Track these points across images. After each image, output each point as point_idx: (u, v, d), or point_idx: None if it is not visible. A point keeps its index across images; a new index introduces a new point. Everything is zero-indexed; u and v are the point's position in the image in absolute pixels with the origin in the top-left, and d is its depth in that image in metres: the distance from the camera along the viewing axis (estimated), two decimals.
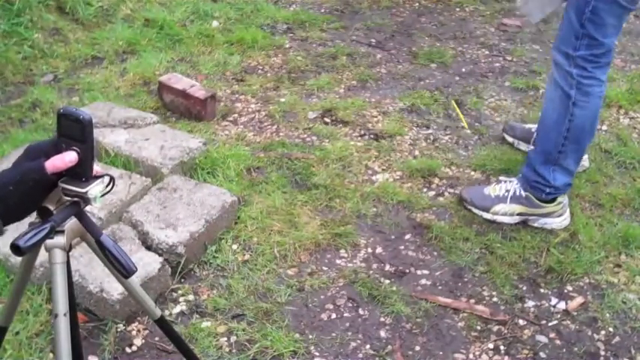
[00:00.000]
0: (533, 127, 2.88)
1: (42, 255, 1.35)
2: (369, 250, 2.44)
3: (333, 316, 2.19)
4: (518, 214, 2.53)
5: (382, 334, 2.13)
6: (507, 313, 2.20)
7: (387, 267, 2.37)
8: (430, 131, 3.10)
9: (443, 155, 2.93)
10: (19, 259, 1.34)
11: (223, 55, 3.65)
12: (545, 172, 2.45)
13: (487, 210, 2.55)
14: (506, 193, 2.53)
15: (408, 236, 2.51)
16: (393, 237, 2.50)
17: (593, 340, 2.12)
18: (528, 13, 2.62)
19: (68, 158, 1.22)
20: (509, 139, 2.99)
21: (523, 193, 2.51)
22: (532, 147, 2.70)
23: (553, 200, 2.49)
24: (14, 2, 3.55)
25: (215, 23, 3.99)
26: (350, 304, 2.22)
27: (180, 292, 2.24)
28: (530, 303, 2.24)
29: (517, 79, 3.52)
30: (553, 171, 2.44)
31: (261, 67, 3.60)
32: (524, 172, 2.53)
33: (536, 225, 2.53)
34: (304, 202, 2.62)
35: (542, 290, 2.29)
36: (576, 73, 2.32)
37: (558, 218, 2.51)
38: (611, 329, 2.15)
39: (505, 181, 2.59)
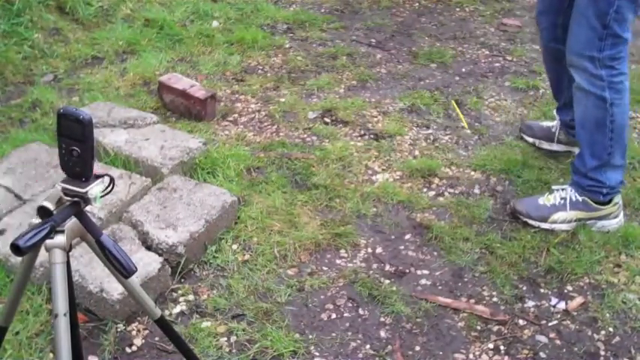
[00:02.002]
0: (552, 124, 2.88)
1: (42, 255, 1.35)
2: (369, 250, 2.44)
3: (333, 316, 2.19)
4: (576, 220, 2.51)
5: (382, 334, 2.13)
6: (507, 313, 2.20)
7: (387, 267, 2.37)
8: (430, 131, 3.10)
9: (443, 155, 2.93)
10: (19, 259, 1.34)
11: (223, 55, 3.65)
12: (598, 175, 2.45)
13: (545, 220, 2.52)
14: (562, 201, 2.51)
15: (408, 236, 2.51)
16: (393, 237, 2.50)
17: (593, 340, 2.12)
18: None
19: None
20: (530, 140, 2.98)
21: (580, 198, 2.49)
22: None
23: (610, 201, 2.49)
24: (14, 2, 3.55)
25: (215, 23, 3.99)
26: (350, 304, 2.22)
27: (180, 292, 2.24)
28: (530, 303, 2.24)
29: (517, 79, 3.52)
30: (604, 172, 2.45)
31: (261, 67, 3.60)
32: (575, 179, 2.52)
33: (594, 229, 2.51)
34: (304, 202, 2.62)
35: (542, 290, 2.29)
36: (606, 74, 2.33)
37: (615, 220, 2.51)
38: (611, 329, 2.15)
39: (559, 190, 2.57)
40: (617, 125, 2.40)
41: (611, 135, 2.40)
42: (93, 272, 2.09)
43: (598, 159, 2.44)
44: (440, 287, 2.30)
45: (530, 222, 2.54)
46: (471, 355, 2.06)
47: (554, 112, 2.91)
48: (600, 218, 2.50)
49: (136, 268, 1.34)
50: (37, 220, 1.28)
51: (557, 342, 2.11)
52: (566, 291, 2.29)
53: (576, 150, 2.88)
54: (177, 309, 2.18)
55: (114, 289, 2.05)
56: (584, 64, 2.35)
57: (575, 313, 2.20)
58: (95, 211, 2.29)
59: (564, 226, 2.52)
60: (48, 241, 1.27)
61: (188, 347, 1.81)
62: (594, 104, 2.39)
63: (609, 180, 2.46)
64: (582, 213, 2.50)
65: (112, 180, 1.35)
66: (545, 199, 2.55)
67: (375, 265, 2.38)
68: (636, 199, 2.67)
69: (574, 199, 2.50)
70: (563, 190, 2.55)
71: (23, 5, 3.58)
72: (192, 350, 1.85)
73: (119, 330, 2.08)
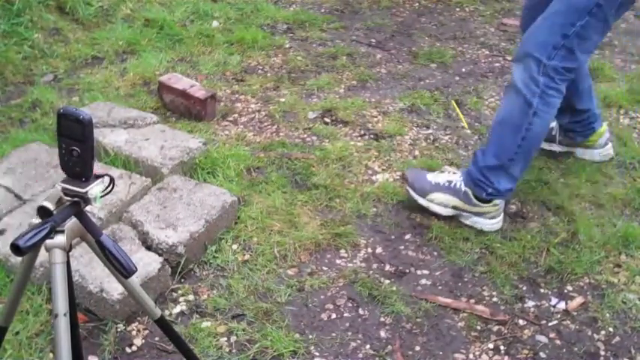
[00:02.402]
0: (552, 124, 2.88)
1: (42, 255, 1.35)
2: (369, 250, 2.44)
3: (333, 316, 2.19)
4: (453, 207, 2.52)
5: (382, 334, 2.13)
6: (507, 313, 2.20)
7: (387, 267, 2.37)
8: (430, 131, 3.10)
9: (443, 155, 2.93)
10: (19, 259, 1.34)
11: (223, 55, 3.65)
12: (491, 175, 2.43)
13: (424, 195, 2.53)
14: (446, 184, 2.52)
15: (408, 236, 2.51)
16: (393, 237, 2.50)
17: (593, 340, 2.12)
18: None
19: None
20: None
21: (463, 188, 2.49)
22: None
23: (490, 201, 2.47)
24: (14, 2, 3.55)
25: (215, 23, 3.99)
26: (350, 304, 2.22)
27: (180, 292, 2.24)
28: (530, 303, 2.24)
29: None
30: (498, 175, 2.43)
31: (261, 67, 3.60)
32: (470, 169, 2.50)
33: (467, 222, 2.51)
34: (304, 202, 2.62)
35: (542, 290, 2.29)
36: (543, 81, 2.29)
37: (490, 220, 2.49)
38: (611, 329, 2.15)
39: (449, 172, 2.58)
40: (532, 136, 2.36)
41: (521, 142, 2.36)
42: (93, 272, 2.09)
43: (498, 160, 2.41)
44: (440, 287, 2.30)
45: (411, 193, 2.56)
46: (470, 355, 2.06)
47: None
48: (477, 214, 2.49)
49: (136, 268, 1.34)
50: (37, 220, 1.28)
51: (557, 342, 2.11)
52: (566, 291, 2.29)
53: (576, 150, 2.89)
54: (177, 309, 2.18)
55: (114, 289, 2.05)
56: (529, 64, 2.31)
57: (575, 313, 2.20)
58: (95, 211, 2.29)
59: (440, 209, 2.52)
60: (48, 241, 1.27)
61: (188, 347, 1.81)
62: (520, 106, 2.35)
63: (499, 184, 2.43)
64: (459, 202, 2.49)
65: (112, 180, 1.35)
66: (433, 176, 2.55)
67: (375, 265, 2.38)
68: (636, 199, 2.68)
69: (457, 186, 2.50)
70: (453, 173, 2.55)
71: (23, 5, 3.58)
72: (192, 350, 1.85)
73: (119, 330, 2.08)
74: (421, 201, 2.54)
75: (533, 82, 2.30)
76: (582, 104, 2.73)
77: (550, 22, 2.29)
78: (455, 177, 2.53)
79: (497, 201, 2.47)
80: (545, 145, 2.92)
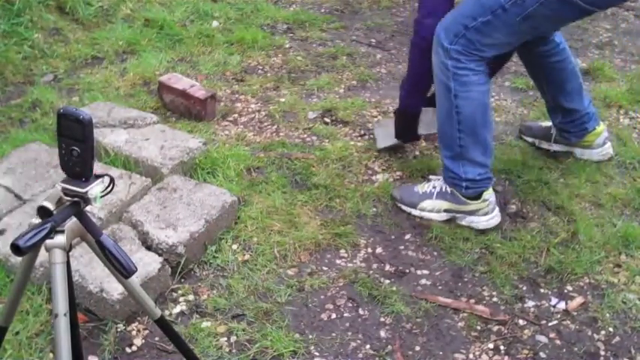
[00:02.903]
0: (550, 124, 2.88)
1: (42, 255, 1.35)
2: (369, 250, 2.44)
3: (333, 316, 2.19)
4: (445, 211, 2.52)
5: (382, 334, 2.13)
6: (507, 313, 2.20)
7: (387, 267, 2.37)
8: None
9: None
10: (19, 259, 1.34)
11: (223, 55, 3.65)
12: (454, 166, 2.44)
13: (414, 206, 2.55)
14: (432, 190, 2.53)
15: (408, 236, 2.51)
16: (393, 237, 2.50)
17: (593, 340, 2.12)
18: (375, 138, 2.91)
19: None
20: (529, 140, 2.97)
21: (449, 189, 2.50)
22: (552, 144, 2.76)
23: (478, 197, 2.47)
24: (14, 2, 3.55)
25: (215, 23, 3.99)
26: (350, 304, 2.22)
27: (180, 292, 2.24)
28: (530, 303, 2.24)
29: (517, 79, 3.52)
30: (462, 165, 2.43)
31: (261, 67, 3.60)
32: (443, 169, 2.52)
33: (463, 223, 2.52)
34: (304, 202, 2.62)
35: (542, 290, 2.29)
36: (451, 64, 2.31)
37: (484, 217, 2.49)
38: (611, 329, 2.15)
39: (433, 179, 2.59)
40: (466, 118, 2.36)
41: (459, 127, 2.37)
42: (93, 272, 2.09)
43: (450, 150, 2.43)
44: (440, 287, 2.30)
45: (403, 207, 2.58)
46: (470, 355, 2.06)
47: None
48: (470, 213, 2.50)
49: (136, 268, 1.34)
50: (37, 220, 1.28)
51: (557, 342, 2.11)
52: (566, 291, 2.29)
53: (575, 150, 2.89)
54: (177, 309, 2.18)
55: (114, 289, 2.05)
56: (437, 49, 2.34)
57: (575, 313, 2.20)
58: (95, 211, 2.29)
59: (433, 215, 2.54)
60: (48, 241, 1.27)
61: (188, 347, 1.81)
62: (443, 93, 2.37)
63: (466, 173, 2.43)
64: (449, 204, 2.50)
65: (112, 180, 1.35)
66: (420, 187, 2.57)
67: (375, 265, 2.38)
68: (636, 199, 2.67)
69: (443, 189, 2.51)
70: (437, 179, 2.56)
71: (23, 5, 3.58)
72: (192, 350, 1.85)
73: (119, 330, 2.08)
74: (414, 212, 2.56)
75: (444, 66, 2.33)
76: (571, 103, 2.73)
77: (457, 12, 2.32)
78: (439, 182, 2.54)
79: (486, 196, 2.47)
80: (545, 145, 2.92)
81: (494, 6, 2.23)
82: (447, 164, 2.47)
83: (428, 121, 2.67)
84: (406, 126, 2.76)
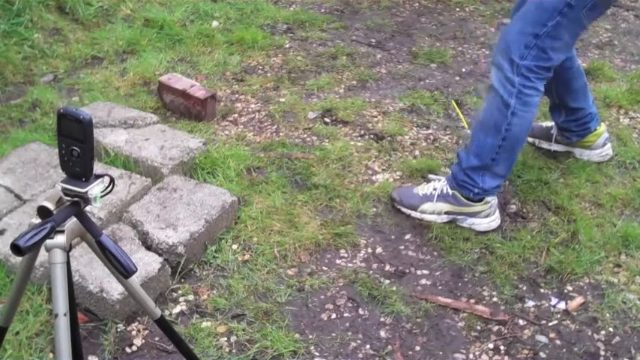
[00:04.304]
0: (551, 124, 2.88)
1: (42, 255, 1.36)
2: (369, 250, 2.44)
3: (333, 316, 2.19)
4: (445, 213, 2.52)
5: (382, 334, 2.13)
6: (507, 313, 2.20)
7: (387, 267, 2.37)
8: (430, 131, 3.10)
9: (443, 155, 2.92)
10: (19, 259, 1.34)
11: (223, 55, 3.65)
12: (475, 175, 2.43)
13: (415, 208, 2.55)
14: (433, 192, 2.52)
15: (408, 236, 2.51)
16: (393, 237, 2.50)
17: (593, 340, 2.12)
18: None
19: None
20: (529, 140, 2.96)
21: (450, 192, 2.49)
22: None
23: (481, 200, 2.47)
24: (14, 2, 3.55)
25: (215, 23, 3.99)
26: (350, 304, 2.22)
27: (180, 292, 2.24)
28: (530, 303, 2.24)
29: None
30: (482, 175, 2.43)
31: (261, 67, 3.60)
32: (453, 170, 2.51)
33: (464, 225, 2.51)
34: (304, 202, 2.62)
35: (542, 290, 2.29)
36: (519, 81, 2.28)
37: (486, 219, 2.50)
38: (611, 329, 2.15)
39: (433, 180, 2.59)
40: (512, 135, 2.35)
41: (502, 143, 2.36)
42: (93, 272, 2.09)
43: (480, 160, 2.41)
44: (440, 287, 2.30)
45: (403, 210, 2.57)
46: (471, 355, 2.06)
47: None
48: (471, 215, 2.49)
49: (136, 268, 1.34)
50: (37, 220, 1.28)
51: (557, 342, 2.11)
52: (566, 291, 2.29)
53: (575, 151, 2.89)
54: (177, 309, 2.18)
55: (114, 289, 2.05)
56: (502, 64, 2.31)
57: (575, 313, 2.20)
58: (95, 211, 2.29)
59: (433, 217, 2.53)
60: (48, 241, 1.27)
61: (188, 347, 1.81)
62: (498, 107, 2.34)
63: (484, 183, 2.43)
64: (450, 206, 2.50)
65: (112, 180, 1.35)
66: (420, 189, 2.56)
67: (375, 265, 2.38)
68: (636, 199, 2.67)
69: (444, 191, 2.50)
70: (438, 181, 2.56)
71: (23, 5, 3.58)
72: (192, 350, 1.85)
73: (119, 330, 2.08)
74: (414, 214, 2.56)
75: (508, 82, 2.30)
76: (576, 102, 2.73)
77: (522, 22, 2.29)
78: (440, 184, 2.53)
79: (488, 198, 2.48)
80: (545, 145, 2.92)
81: (560, 5, 2.19)
82: (468, 171, 2.44)
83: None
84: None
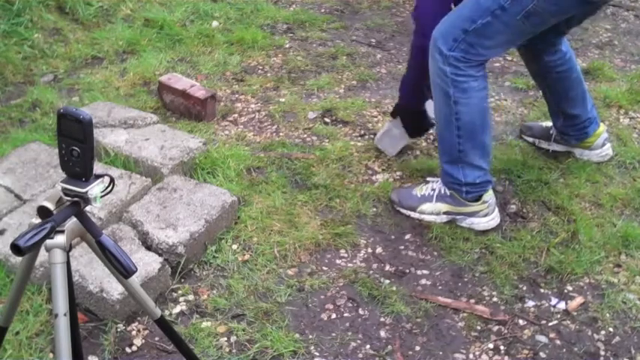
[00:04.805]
0: (550, 124, 2.88)
1: (42, 255, 1.36)
2: (369, 250, 2.44)
3: (333, 316, 2.19)
4: (444, 213, 2.52)
5: (382, 334, 2.13)
6: (507, 313, 2.20)
7: (387, 267, 2.37)
8: (430, 131, 3.09)
9: None
10: (19, 259, 1.34)
11: (223, 55, 3.65)
12: (453, 171, 2.43)
13: (414, 209, 2.55)
14: (431, 192, 2.53)
15: (408, 236, 2.51)
16: (393, 237, 2.50)
17: (593, 340, 2.12)
18: (384, 149, 2.89)
19: None
20: (529, 140, 2.97)
21: (448, 192, 2.50)
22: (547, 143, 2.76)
23: (478, 199, 2.47)
24: (14, 2, 3.55)
25: (215, 23, 3.99)
26: (350, 304, 2.22)
27: (180, 292, 2.24)
28: (530, 303, 2.24)
29: (517, 79, 3.52)
30: (461, 169, 2.42)
31: (261, 67, 3.60)
32: (441, 173, 2.51)
33: (463, 225, 2.51)
34: (304, 202, 2.62)
35: (542, 290, 2.29)
36: (450, 71, 2.27)
37: (484, 218, 2.49)
38: (611, 329, 2.15)
39: (432, 181, 2.58)
40: (465, 124, 2.34)
41: (459, 132, 2.35)
42: (93, 272, 2.09)
43: (449, 155, 2.42)
44: (440, 287, 2.30)
45: (402, 211, 2.57)
46: (470, 355, 2.06)
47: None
48: (470, 215, 2.49)
49: (136, 268, 1.34)
50: (37, 220, 1.28)
51: (557, 342, 2.11)
52: (566, 291, 2.29)
53: (575, 151, 2.89)
54: (177, 309, 2.18)
55: (114, 289, 2.05)
56: (434, 55, 2.30)
57: (575, 313, 2.20)
58: (95, 211, 2.29)
59: (432, 218, 2.53)
60: (48, 241, 1.27)
61: (188, 347, 1.81)
62: (440, 98, 2.34)
63: (466, 177, 2.42)
64: (449, 206, 2.50)
65: (112, 180, 1.35)
66: (418, 190, 2.56)
67: (375, 265, 2.38)
68: (636, 199, 2.67)
69: (442, 191, 2.50)
70: (436, 181, 2.55)
71: (23, 5, 3.58)
72: (192, 350, 1.85)
73: (119, 330, 2.08)
74: (413, 215, 2.56)
75: (442, 72, 2.29)
76: (574, 109, 2.73)
77: (455, 15, 2.28)
78: (438, 184, 2.53)
79: (486, 198, 2.47)
80: (544, 145, 2.92)
81: (493, 6, 2.18)
82: (446, 169, 2.46)
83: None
84: (415, 122, 2.76)
